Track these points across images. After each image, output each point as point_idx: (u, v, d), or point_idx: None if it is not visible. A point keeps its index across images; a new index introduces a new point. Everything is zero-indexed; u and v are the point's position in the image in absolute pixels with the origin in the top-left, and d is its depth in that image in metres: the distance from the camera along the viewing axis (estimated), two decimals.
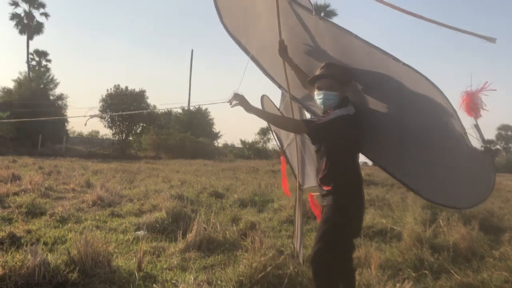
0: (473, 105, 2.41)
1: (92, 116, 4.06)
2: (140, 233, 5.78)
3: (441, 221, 6.59)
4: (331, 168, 3.07)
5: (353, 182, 3.10)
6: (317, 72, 3.11)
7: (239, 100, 3.13)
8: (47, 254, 4.28)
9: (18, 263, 3.60)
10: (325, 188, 3.09)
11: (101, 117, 37.51)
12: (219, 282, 3.89)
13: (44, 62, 46.43)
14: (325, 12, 46.65)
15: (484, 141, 2.44)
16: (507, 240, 6.27)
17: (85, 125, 4.19)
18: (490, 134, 61.68)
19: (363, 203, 3.19)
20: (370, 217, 7.22)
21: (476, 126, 2.43)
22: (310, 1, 3.07)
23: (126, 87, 42.34)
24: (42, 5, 44.45)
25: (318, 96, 3.12)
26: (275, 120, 3.44)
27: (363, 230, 6.42)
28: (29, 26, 43.90)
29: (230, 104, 3.13)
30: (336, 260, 3.05)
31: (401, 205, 9.10)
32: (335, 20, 47.58)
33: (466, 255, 5.32)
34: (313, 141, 3.19)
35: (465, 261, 5.11)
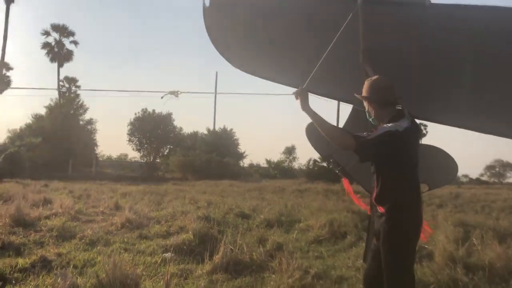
0: None
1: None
2: (168, 255, 5.80)
3: (474, 239, 6.38)
4: (384, 187, 2.93)
5: (409, 203, 2.90)
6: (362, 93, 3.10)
7: (302, 95, 3.10)
8: (76, 278, 4.34)
9: (48, 286, 3.66)
10: (380, 209, 2.94)
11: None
12: None
13: (73, 88, 47.87)
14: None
15: None
16: None
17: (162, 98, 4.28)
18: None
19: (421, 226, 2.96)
20: None
21: None
22: None
23: (154, 110, 43.16)
24: (72, 34, 46.22)
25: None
26: (325, 126, 3.03)
27: None
28: (59, 54, 45.59)
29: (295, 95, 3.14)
30: None
31: (432, 223, 8.86)
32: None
33: (503, 275, 5.12)
34: (361, 159, 2.96)
35: (502, 281, 4.93)
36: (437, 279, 4.73)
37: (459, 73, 3.32)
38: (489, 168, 56.41)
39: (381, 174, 2.97)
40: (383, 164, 2.96)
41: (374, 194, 3.02)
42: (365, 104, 3.13)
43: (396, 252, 2.83)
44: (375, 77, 3.09)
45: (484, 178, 53.03)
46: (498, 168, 56.57)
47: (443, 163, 3.64)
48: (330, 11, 3.55)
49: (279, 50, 4.09)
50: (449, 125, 3.86)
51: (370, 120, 3.15)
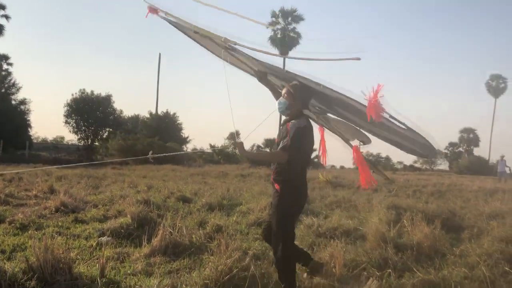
0: (377, 110, 3.25)
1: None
2: (104, 238, 5.64)
3: (405, 221, 6.72)
4: (279, 170, 3.91)
5: (295, 183, 3.93)
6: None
7: (238, 146, 3.99)
8: (4, 262, 4.13)
9: None
10: (276, 186, 3.93)
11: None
12: (184, 286, 3.83)
13: (5, 66, 44.88)
14: (292, 17, 47.29)
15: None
16: (467, 238, 6.49)
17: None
18: (453, 137, 63.67)
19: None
20: (337, 218, 7.31)
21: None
22: None
23: (92, 92, 41.52)
24: (3, 7, 43.11)
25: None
26: (264, 157, 4.69)
27: (330, 231, 6.50)
28: None
29: (230, 148, 3.84)
30: None
31: (367, 207, 9.25)
32: (302, 24, 48.79)
33: (429, 254, 5.45)
34: (291, 157, 3.77)
35: (427, 259, 5.24)
36: (369, 258, 4.94)
37: None
38: None
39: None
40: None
41: (273, 175, 3.95)
42: (286, 95, 3.95)
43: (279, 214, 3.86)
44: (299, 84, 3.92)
45: (417, 165, 56.01)
46: None
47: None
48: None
49: None
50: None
51: (278, 108, 4.00)
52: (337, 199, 10.30)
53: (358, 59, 3.30)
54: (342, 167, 44.69)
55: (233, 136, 49.68)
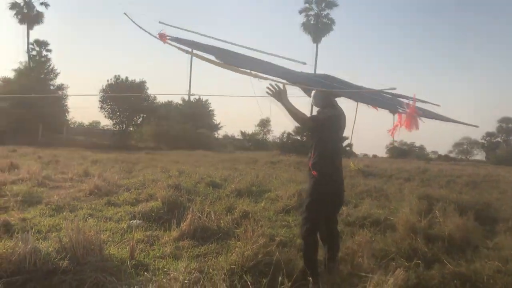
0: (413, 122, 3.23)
1: None
2: (135, 222, 5.78)
3: (437, 211, 6.58)
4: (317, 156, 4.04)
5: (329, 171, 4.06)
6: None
7: (282, 92, 3.95)
8: (39, 242, 4.29)
9: (9, 250, 3.60)
10: (313, 173, 4.02)
11: None
12: (210, 270, 3.88)
13: (44, 52, 46.17)
14: (326, 3, 46.51)
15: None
16: (502, 231, 6.28)
17: None
18: (491, 127, 61.52)
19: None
20: (367, 208, 7.22)
21: None
22: None
23: (127, 78, 42.22)
24: None
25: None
26: (295, 113, 4.01)
27: (359, 221, 6.44)
28: (28, 16, 43.73)
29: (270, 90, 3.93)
30: None
31: (398, 196, 9.10)
32: (335, 10, 47.86)
33: (461, 245, 5.32)
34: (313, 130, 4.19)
35: (459, 251, 5.11)
36: (398, 248, 4.87)
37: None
38: (457, 145, 58.18)
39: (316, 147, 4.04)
40: (319, 139, 4.04)
41: (311, 162, 4.02)
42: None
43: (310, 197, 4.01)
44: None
45: (452, 155, 54.60)
46: (465, 146, 58.31)
47: None
48: None
49: None
50: None
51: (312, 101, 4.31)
52: (367, 188, 10.16)
53: (394, 88, 3.51)
54: (374, 156, 44.08)
55: (264, 123, 49.75)
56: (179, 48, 4.01)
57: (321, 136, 4.04)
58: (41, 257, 3.67)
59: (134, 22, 4.15)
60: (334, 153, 4.10)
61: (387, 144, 53.63)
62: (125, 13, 4.20)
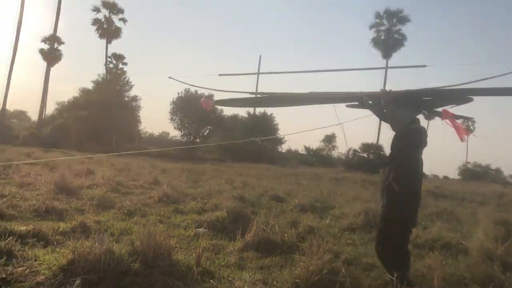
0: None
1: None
2: (201, 230, 5.91)
3: None
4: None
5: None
6: None
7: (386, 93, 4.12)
8: (113, 244, 4.50)
9: (86, 249, 3.81)
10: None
11: None
12: (274, 282, 3.88)
13: (120, 65, 48.99)
14: (398, 18, 45.53)
15: None
16: None
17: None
18: None
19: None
20: (437, 230, 6.89)
21: None
22: None
23: (196, 91, 43.63)
24: (121, 11, 47.18)
25: None
26: (395, 113, 4.11)
27: (429, 243, 6.15)
28: (108, 31, 46.68)
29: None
30: None
31: (471, 220, 8.59)
32: (408, 25, 46.69)
33: None
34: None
35: None
36: (472, 274, 4.59)
37: None
38: None
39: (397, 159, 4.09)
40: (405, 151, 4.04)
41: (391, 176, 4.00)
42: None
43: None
44: None
45: None
46: None
47: None
48: None
49: None
50: None
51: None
52: (438, 210, 9.69)
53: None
54: (445, 177, 42.03)
55: (329, 138, 49.22)
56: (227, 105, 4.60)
57: (408, 149, 4.01)
58: (115, 258, 3.85)
59: (181, 81, 4.56)
60: (419, 170, 4.09)
61: (459, 165, 51.10)
62: (170, 77, 4.68)
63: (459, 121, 3.95)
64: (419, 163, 4.09)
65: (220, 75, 4.79)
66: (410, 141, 3.99)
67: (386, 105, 4.15)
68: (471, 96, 4.25)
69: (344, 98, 4.82)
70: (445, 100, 4.39)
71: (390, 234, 3.96)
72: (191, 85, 4.93)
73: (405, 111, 4.10)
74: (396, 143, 4.12)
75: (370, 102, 4.47)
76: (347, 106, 5.04)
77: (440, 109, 4.08)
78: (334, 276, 3.93)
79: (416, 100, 4.22)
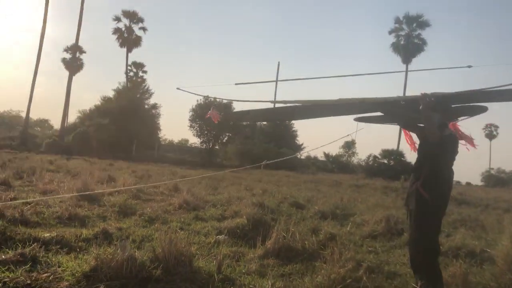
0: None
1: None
2: (221, 237, 5.92)
3: None
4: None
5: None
6: None
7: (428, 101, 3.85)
8: (135, 251, 4.54)
9: (109, 256, 3.85)
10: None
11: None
12: None
13: (140, 73, 49.72)
14: (417, 23, 45.15)
15: None
16: None
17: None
18: None
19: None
20: (461, 238, 6.75)
21: None
22: None
23: (215, 98, 43.82)
24: (141, 20, 47.95)
25: None
26: (430, 124, 3.94)
27: (452, 251, 6.03)
28: (128, 40, 47.44)
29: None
30: None
31: (497, 227, 8.40)
32: (427, 30, 46.17)
33: None
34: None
35: None
36: (498, 283, 4.48)
37: None
38: None
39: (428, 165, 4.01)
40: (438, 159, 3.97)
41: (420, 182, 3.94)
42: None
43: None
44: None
45: None
46: None
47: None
48: None
49: None
50: None
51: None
52: (461, 217, 9.53)
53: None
54: (468, 183, 41.24)
55: (348, 145, 48.86)
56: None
57: (441, 157, 3.94)
58: (136, 265, 3.88)
59: (189, 92, 4.63)
60: (449, 176, 4.00)
61: (482, 171, 50.11)
62: (178, 88, 4.72)
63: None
64: (450, 171, 4.03)
65: (236, 84, 4.67)
66: (446, 148, 3.93)
67: (425, 110, 3.87)
68: (485, 105, 4.22)
69: (379, 104, 4.48)
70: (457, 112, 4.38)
71: (421, 241, 3.90)
72: (199, 94, 4.87)
73: (439, 117, 4.00)
74: (428, 150, 4.01)
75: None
76: (356, 120, 4.91)
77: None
78: (356, 284, 3.88)
79: (446, 105, 4.14)
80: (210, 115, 4.79)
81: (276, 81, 29.53)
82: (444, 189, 3.98)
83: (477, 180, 49.64)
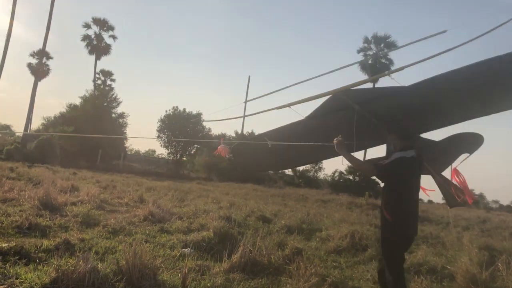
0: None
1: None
2: (187, 250, 5.85)
3: (500, 264, 6.18)
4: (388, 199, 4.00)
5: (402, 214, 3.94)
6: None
7: (339, 143, 4.04)
8: (97, 263, 4.43)
9: (70, 267, 3.75)
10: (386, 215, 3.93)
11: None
12: None
13: (109, 82, 48.91)
14: (385, 43, 46.46)
15: None
16: None
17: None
18: None
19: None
20: (422, 254, 6.92)
21: None
22: None
23: (184, 109, 43.62)
24: (112, 28, 47.19)
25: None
26: (355, 163, 4.14)
27: (414, 267, 6.16)
28: (98, 47, 46.64)
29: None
30: None
31: (456, 245, 8.65)
32: (395, 51, 47.56)
33: None
34: (381, 179, 4.16)
35: None
36: None
37: None
38: None
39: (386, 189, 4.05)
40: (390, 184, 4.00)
41: (383, 204, 3.99)
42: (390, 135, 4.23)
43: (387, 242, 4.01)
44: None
45: None
46: None
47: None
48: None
49: None
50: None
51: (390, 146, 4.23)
52: (423, 234, 9.76)
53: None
54: (430, 202, 42.28)
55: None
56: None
57: (391, 181, 3.96)
58: (99, 277, 3.80)
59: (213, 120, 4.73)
60: (408, 197, 3.96)
61: None
62: (203, 120, 4.87)
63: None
64: (413, 189, 4.02)
65: (203, 121, 4.89)
66: (395, 171, 3.92)
67: (339, 150, 4.09)
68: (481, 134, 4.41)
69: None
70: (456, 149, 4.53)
71: (385, 255, 3.97)
72: (219, 120, 5.08)
73: (395, 142, 4.13)
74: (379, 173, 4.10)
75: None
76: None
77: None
78: None
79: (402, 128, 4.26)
80: (220, 151, 4.83)
81: (244, 116, 29.65)
82: (404, 209, 3.92)
83: (438, 198, 50.98)
